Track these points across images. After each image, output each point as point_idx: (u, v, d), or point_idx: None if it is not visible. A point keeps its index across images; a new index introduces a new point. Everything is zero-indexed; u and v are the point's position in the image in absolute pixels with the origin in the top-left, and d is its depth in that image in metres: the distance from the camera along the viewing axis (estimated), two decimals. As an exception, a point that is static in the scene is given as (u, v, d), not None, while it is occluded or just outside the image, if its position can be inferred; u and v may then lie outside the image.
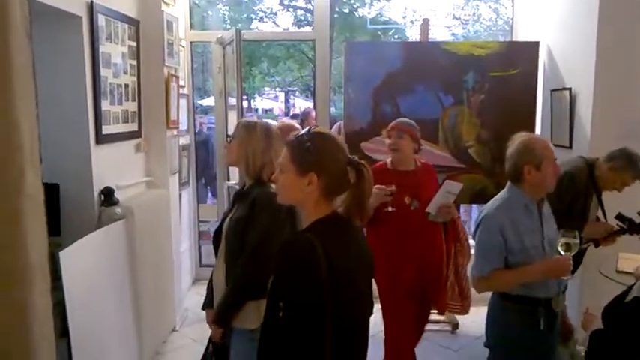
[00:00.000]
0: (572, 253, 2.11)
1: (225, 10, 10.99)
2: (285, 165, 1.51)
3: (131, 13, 3.43)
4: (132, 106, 3.45)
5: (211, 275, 2.33)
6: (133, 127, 3.47)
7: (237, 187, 2.79)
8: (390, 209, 2.86)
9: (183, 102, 4.35)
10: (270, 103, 16.29)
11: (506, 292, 2.22)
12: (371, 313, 1.59)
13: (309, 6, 10.63)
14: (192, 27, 4.91)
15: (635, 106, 3.27)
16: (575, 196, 2.88)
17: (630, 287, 1.80)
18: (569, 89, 3.60)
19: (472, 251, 2.38)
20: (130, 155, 3.48)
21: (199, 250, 5.13)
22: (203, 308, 2.37)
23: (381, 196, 2.83)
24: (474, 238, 2.32)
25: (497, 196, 2.32)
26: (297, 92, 15.22)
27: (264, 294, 1.71)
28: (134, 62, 3.46)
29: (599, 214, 3.08)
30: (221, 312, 2.14)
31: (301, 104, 13.09)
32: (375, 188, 2.82)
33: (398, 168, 2.98)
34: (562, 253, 2.12)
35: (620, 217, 2.86)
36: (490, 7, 9.89)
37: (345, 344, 1.45)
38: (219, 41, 4.69)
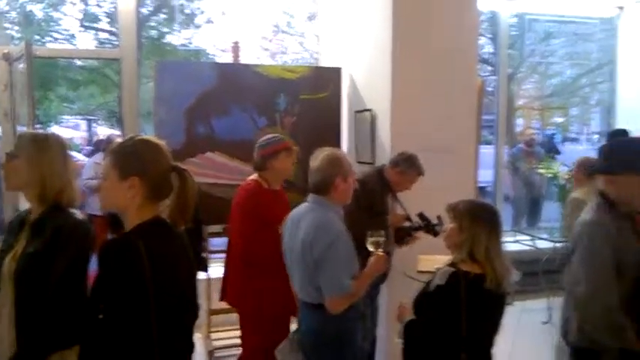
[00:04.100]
0: (381, 249, 2.30)
1: (14, 28, 9.78)
2: (107, 171, 1.52)
3: None
4: None
5: None
6: None
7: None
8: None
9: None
10: (71, 132, 14.89)
11: None
12: (195, 317, 1.60)
13: (113, 29, 10.05)
14: (-32, 41, 4.26)
15: (430, 122, 3.68)
16: (370, 200, 3.13)
17: (433, 279, 1.99)
18: (370, 110, 3.94)
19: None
20: None
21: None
22: None
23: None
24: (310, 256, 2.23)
25: (311, 212, 2.31)
26: (100, 120, 14.17)
27: (74, 341, 1.61)
28: None
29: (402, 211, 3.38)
30: None
31: (106, 133, 12.20)
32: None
33: (273, 187, 2.96)
34: (374, 250, 2.28)
35: (421, 216, 3.21)
36: (296, 40, 10.46)
37: (171, 345, 1.47)
38: (5, 57, 4.15)
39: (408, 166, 3.19)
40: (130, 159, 1.51)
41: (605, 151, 2.26)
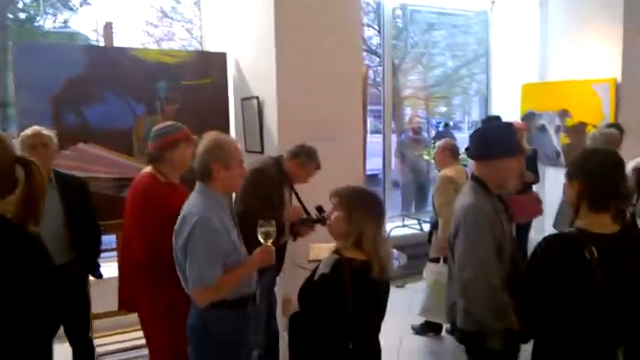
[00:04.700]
0: (272, 240, 2.19)
1: None
2: None
3: None
4: None
5: None
6: None
7: None
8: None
9: None
10: None
11: (223, 299, 2.12)
12: (53, 323, 1.53)
13: (-30, 8, 8.97)
14: None
15: (317, 110, 3.64)
16: (271, 190, 3.04)
17: (318, 267, 1.94)
18: (257, 98, 3.82)
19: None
20: None
21: None
22: None
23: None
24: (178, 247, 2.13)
25: (192, 199, 2.19)
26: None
27: None
28: None
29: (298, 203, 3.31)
30: None
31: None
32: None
33: (170, 180, 2.63)
34: (263, 241, 2.17)
35: (319, 208, 3.16)
36: (183, 26, 10.05)
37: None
38: None
39: (307, 158, 3.14)
40: None
41: (479, 137, 2.31)
